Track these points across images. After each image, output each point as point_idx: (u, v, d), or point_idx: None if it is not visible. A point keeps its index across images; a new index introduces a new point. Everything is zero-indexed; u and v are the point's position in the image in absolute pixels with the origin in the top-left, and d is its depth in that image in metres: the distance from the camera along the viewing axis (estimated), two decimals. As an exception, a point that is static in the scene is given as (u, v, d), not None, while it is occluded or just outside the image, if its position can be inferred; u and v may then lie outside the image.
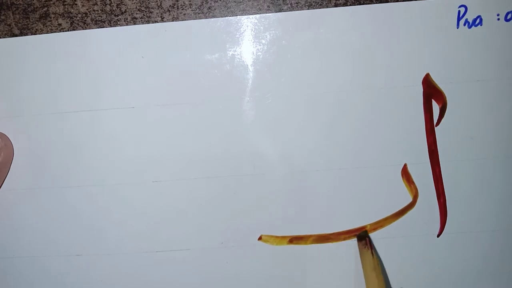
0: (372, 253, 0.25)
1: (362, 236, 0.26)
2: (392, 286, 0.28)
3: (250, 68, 0.26)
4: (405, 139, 0.27)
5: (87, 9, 0.25)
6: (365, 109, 0.26)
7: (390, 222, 0.28)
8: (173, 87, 0.26)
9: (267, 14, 0.25)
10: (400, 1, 0.25)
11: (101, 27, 0.25)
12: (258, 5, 0.25)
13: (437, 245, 0.28)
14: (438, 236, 0.28)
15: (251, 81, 0.26)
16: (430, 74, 0.26)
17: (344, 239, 0.28)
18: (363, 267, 0.25)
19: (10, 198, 0.27)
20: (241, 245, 0.28)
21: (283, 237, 0.28)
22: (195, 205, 0.27)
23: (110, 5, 0.25)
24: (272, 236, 0.28)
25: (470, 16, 0.25)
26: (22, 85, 0.26)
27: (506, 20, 0.25)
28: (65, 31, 0.25)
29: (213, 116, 0.26)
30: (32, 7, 0.25)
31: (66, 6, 0.25)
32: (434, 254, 0.28)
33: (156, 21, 0.25)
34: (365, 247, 0.25)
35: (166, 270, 0.28)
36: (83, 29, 0.25)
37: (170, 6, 0.25)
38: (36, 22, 0.25)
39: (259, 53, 0.25)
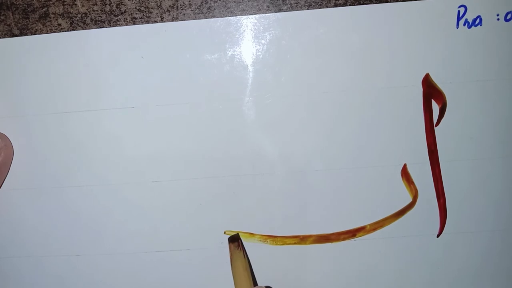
0: (243, 254, 0.26)
1: (235, 238, 0.27)
2: (391, 286, 0.28)
3: (250, 68, 0.26)
4: (405, 139, 0.27)
5: (86, 9, 0.25)
6: (365, 109, 0.26)
7: (390, 222, 0.28)
8: (173, 87, 0.26)
9: (266, 14, 0.25)
10: (400, 1, 0.25)
11: (100, 27, 0.25)
12: (257, 5, 0.25)
13: (437, 245, 0.28)
14: (437, 236, 0.28)
15: (250, 81, 0.26)
16: (429, 74, 0.26)
17: (344, 239, 0.28)
18: (235, 267, 0.26)
19: (10, 198, 0.27)
20: (241, 245, 0.28)
21: (283, 237, 0.28)
22: (195, 205, 0.27)
23: (109, 5, 0.25)
24: (264, 236, 0.28)
25: (469, 16, 0.25)
26: (22, 85, 0.26)
27: (506, 20, 0.25)
28: (65, 31, 0.25)
29: (213, 116, 0.26)
30: (31, 7, 0.25)
31: (66, 6, 0.25)
32: (434, 254, 0.28)
33: (155, 21, 0.25)
34: (237, 249, 0.26)
35: (166, 270, 0.28)
36: (83, 29, 0.25)
37: (169, 6, 0.25)
38: (36, 22, 0.25)
39: (259, 53, 0.25)
